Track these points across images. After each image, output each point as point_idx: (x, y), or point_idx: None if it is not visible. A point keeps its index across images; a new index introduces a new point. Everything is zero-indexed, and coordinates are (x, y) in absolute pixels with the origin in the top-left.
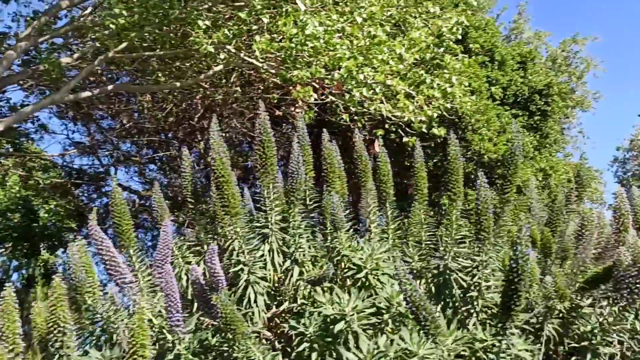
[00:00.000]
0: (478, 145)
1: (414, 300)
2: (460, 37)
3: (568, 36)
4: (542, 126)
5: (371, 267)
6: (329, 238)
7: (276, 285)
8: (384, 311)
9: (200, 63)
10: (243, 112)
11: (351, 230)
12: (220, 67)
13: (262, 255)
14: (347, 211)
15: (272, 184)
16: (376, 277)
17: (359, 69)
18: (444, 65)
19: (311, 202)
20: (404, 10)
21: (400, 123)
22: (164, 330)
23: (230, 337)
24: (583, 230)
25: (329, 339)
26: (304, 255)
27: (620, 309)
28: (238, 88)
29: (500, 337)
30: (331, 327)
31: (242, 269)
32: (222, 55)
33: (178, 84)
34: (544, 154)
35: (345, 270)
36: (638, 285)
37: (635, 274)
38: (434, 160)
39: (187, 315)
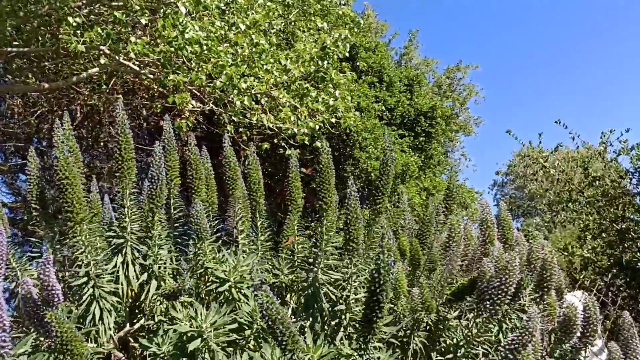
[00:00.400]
0: (365, 163)
1: (270, 314)
2: (347, 54)
3: (453, 64)
4: (427, 147)
5: (235, 280)
6: (193, 249)
7: (130, 301)
8: (245, 327)
9: (73, 64)
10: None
11: (219, 241)
12: (96, 69)
13: (115, 268)
14: (216, 221)
15: (130, 189)
16: (240, 291)
17: (242, 78)
18: (329, 79)
19: (176, 212)
20: (293, 24)
21: (284, 136)
22: None
23: (70, 358)
24: (450, 242)
25: (184, 359)
26: (164, 268)
27: (484, 320)
28: (120, 96)
29: (362, 352)
30: (187, 345)
31: (85, 283)
32: (102, 60)
33: (47, 85)
34: (428, 174)
35: (208, 284)
36: (500, 297)
37: (497, 284)
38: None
39: (23, 335)
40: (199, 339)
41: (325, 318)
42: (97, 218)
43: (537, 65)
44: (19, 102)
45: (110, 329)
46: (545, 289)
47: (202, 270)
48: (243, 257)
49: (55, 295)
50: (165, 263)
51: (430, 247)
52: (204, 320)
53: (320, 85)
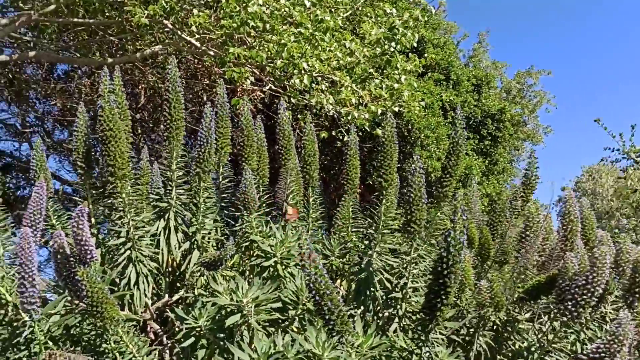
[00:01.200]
0: (426, 163)
1: (318, 288)
2: (415, 44)
3: (523, 68)
4: (492, 152)
5: (281, 256)
6: (239, 221)
7: (170, 270)
8: (290, 307)
9: (137, 40)
10: (186, 106)
11: (267, 215)
12: (159, 47)
13: (156, 232)
14: (266, 195)
15: (178, 151)
16: (286, 267)
17: (303, 56)
18: (394, 64)
19: (225, 182)
20: (360, 10)
21: (343, 122)
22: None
23: (99, 322)
24: (527, 233)
25: (222, 335)
26: (207, 238)
27: (563, 324)
28: (182, 80)
29: (421, 344)
30: (225, 320)
31: (123, 243)
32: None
33: (110, 59)
34: (491, 180)
35: (252, 259)
36: (585, 297)
37: (582, 283)
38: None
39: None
40: (239, 315)
41: (378, 307)
42: (144, 181)
43: (618, 72)
44: (86, 82)
45: (146, 295)
46: (637, 296)
47: (247, 243)
48: (292, 233)
49: (89, 252)
50: (209, 233)
51: (503, 237)
52: (245, 295)
53: (385, 71)
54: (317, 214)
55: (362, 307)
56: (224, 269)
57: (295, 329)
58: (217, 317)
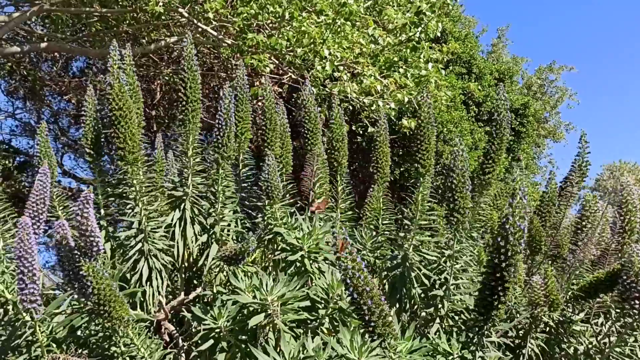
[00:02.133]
0: (448, 159)
1: (356, 284)
2: (439, 34)
3: (545, 64)
4: (515, 147)
5: (309, 249)
6: (262, 212)
7: (186, 265)
8: (319, 306)
9: (152, 31)
10: (202, 102)
11: (292, 206)
12: (174, 38)
13: (171, 224)
14: (290, 185)
15: (194, 135)
16: (315, 261)
17: (324, 43)
18: (420, 51)
19: (246, 170)
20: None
21: (367, 113)
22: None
23: (106, 323)
24: (583, 223)
25: (244, 337)
26: (227, 230)
27: (628, 326)
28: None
29: (474, 348)
30: (248, 320)
31: (134, 235)
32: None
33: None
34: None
35: (277, 253)
36: None
37: None
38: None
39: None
40: (263, 314)
41: (415, 307)
42: (159, 168)
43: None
44: (102, 79)
45: (159, 293)
46: None
47: (270, 236)
48: (319, 225)
49: (95, 244)
50: (228, 225)
51: (557, 228)
52: (269, 292)
53: (409, 60)
54: (346, 204)
55: (397, 306)
56: (245, 264)
57: (326, 331)
58: (238, 317)
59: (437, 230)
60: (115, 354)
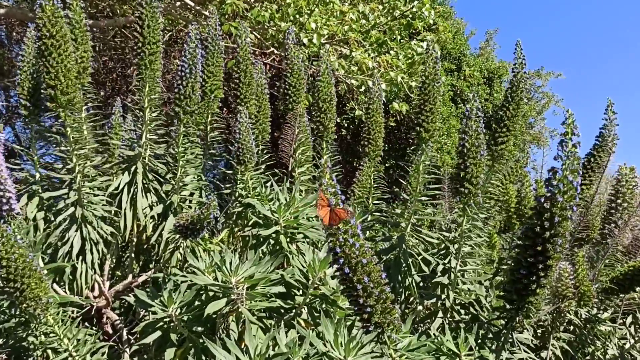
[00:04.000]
0: (435, 157)
1: (348, 254)
2: (432, 20)
3: (533, 69)
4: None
5: (286, 223)
6: (231, 181)
7: (135, 241)
8: (296, 291)
9: (124, 3)
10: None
11: (268, 173)
12: None
13: (118, 190)
14: (267, 154)
15: (151, 84)
16: (293, 239)
17: (311, 15)
18: (415, 27)
19: (215, 134)
20: None
21: (354, 91)
22: None
23: (19, 305)
24: (618, 201)
25: (200, 328)
26: (189, 201)
27: None
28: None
29: (500, 346)
30: (205, 307)
31: (66, 195)
32: None
33: (90, 21)
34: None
35: (248, 228)
36: None
37: None
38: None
39: None
40: (224, 300)
41: (412, 298)
42: (115, 132)
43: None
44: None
45: (95, 271)
46: None
47: (241, 208)
48: (300, 196)
49: (4, 200)
50: (191, 195)
51: (587, 207)
52: (234, 273)
53: (403, 39)
54: (333, 182)
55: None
56: (208, 241)
57: (304, 323)
58: (195, 304)
59: (439, 207)
60: (33, 345)
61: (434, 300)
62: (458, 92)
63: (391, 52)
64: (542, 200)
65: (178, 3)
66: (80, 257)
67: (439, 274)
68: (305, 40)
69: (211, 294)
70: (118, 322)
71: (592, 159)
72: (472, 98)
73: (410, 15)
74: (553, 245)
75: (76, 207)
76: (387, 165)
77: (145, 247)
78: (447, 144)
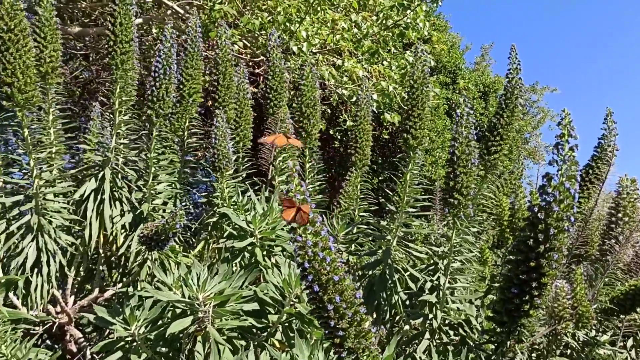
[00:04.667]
0: (429, 170)
1: (318, 270)
2: (426, 32)
3: (528, 84)
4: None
5: (262, 234)
6: (207, 189)
7: (105, 254)
8: (271, 309)
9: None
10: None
11: (245, 182)
12: (139, 20)
13: (83, 197)
14: (247, 162)
15: (123, 83)
16: (270, 252)
17: (301, 22)
18: (408, 37)
19: (193, 140)
20: None
21: (345, 101)
22: None
23: None
24: (618, 215)
25: (165, 349)
26: (162, 210)
27: None
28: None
29: None
30: (169, 327)
31: (21, 202)
32: None
33: (77, 29)
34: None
35: (223, 240)
36: None
37: None
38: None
39: None
40: (190, 317)
41: (398, 317)
42: (92, 138)
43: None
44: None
45: (50, 283)
46: None
47: (215, 218)
48: (279, 206)
49: None
50: (164, 204)
51: (586, 220)
52: (201, 288)
53: (396, 49)
54: (314, 185)
55: (374, 316)
56: (180, 253)
57: (278, 344)
58: (160, 322)
59: (428, 220)
60: None
61: (421, 319)
62: (453, 105)
63: (384, 62)
64: (536, 210)
65: (169, 11)
66: (36, 270)
67: (426, 291)
68: (295, 49)
69: (178, 311)
70: (82, 340)
71: (590, 171)
72: (463, 103)
73: (404, 25)
74: (548, 260)
75: (32, 214)
76: (380, 178)
77: (112, 258)
78: (441, 157)
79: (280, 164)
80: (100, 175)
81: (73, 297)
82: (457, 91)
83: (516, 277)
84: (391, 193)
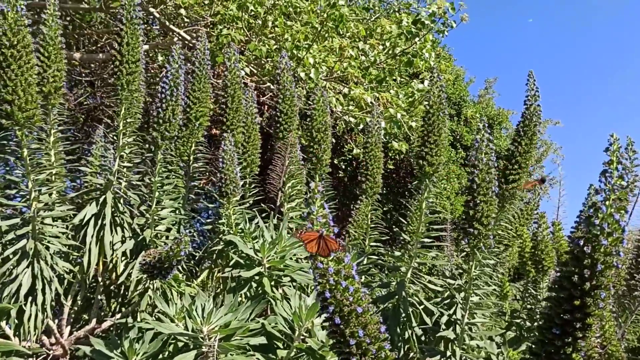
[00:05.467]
0: (435, 203)
1: (340, 301)
2: (432, 62)
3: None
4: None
5: (270, 264)
6: (213, 215)
7: (104, 282)
8: (279, 344)
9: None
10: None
11: (253, 208)
12: (145, 47)
13: (82, 222)
14: (254, 188)
15: (128, 104)
16: (278, 282)
17: (309, 49)
18: (416, 66)
19: (199, 165)
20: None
21: (354, 129)
22: None
23: None
24: None
25: None
26: (166, 237)
27: None
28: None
29: None
30: None
31: (18, 225)
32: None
33: (78, 55)
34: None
35: (229, 269)
36: None
37: None
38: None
39: None
40: (193, 352)
41: (412, 354)
42: (94, 163)
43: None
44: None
45: (44, 312)
46: None
47: (221, 246)
48: (288, 234)
49: None
50: (167, 230)
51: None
52: (206, 320)
53: (403, 77)
54: (324, 211)
55: None
56: (183, 282)
57: None
58: (160, 356)
59: (441, 251)
60: None
61: (437, 357)
62: (458, 137)
63: (391, 90)
64: (581, 243)
65: (175, 39)
66: (30, 298)
67: (443, 326)
68: (302, 75)
69: (180, 344)
70: None
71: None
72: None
73: (411, 54)
74: (594, 299)
75: (28, 239)
76: (385, 209)
77: (111, 287)
78: (446, 189)
79: (290, 190)
80: (101, 200)
81: (69, 327)
82: (463, 122)
83: (558, 316)
84: (405, 222)
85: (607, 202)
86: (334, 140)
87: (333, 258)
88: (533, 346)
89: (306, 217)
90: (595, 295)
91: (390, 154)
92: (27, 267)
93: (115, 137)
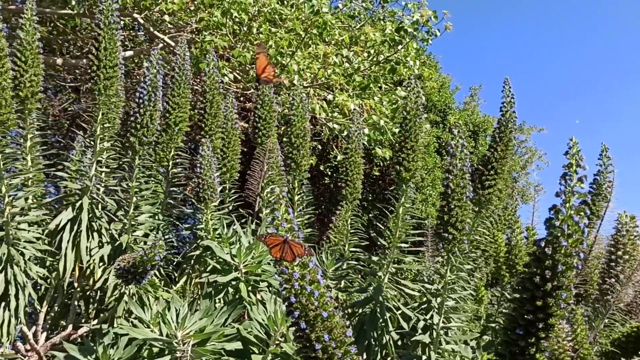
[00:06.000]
0: (420, 209)
1: (305, 305)
2: (417, 70)
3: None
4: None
5: (247, 269)
6: (190, 218)
7: (81, 288)
8: (254, 349)
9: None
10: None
11: (231, 214)
12: (130, 52)
13: (58, 227)
14: (234, 193)
15: (105, 109)
16: (255, 287)
17: (293, 56)
18: (399, 73)
19: (178, 170)
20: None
21: (338, 135)
22: None
23: None
24: (618, 253)
25: None
26: (144, 242)
27: None
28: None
29: None
30: None
31: None
32: None
33: (60, 60)
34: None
35: (206, 274)
36: None
37: None
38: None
39: None
40: (167, 357)
41: (389, 358)
42: (73, 168)
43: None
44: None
45: (17, 318)
46: None
47: (199, 251)
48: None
49: None
50: (145, 235)
51: (584, 259)
52: (180, 325)
53: (387, 84)
54: (303, 219)
55: (364, 357)
56: (160, 288)
57: None
58: None
59: (419, 257)
60: None
61: None
62: (443, 144)
63: (375, 97)
64: (543, 244)
65: (160, 45)
66: (3, 304)
67: (419, 331)
68: (286, 82)
69: (155, 350)
70: None
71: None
72: (457, 134)
73: (395, 61)
74: (556, 299)
75: (1, 244)
76: (370, 215)
77: (95, 293)
78: (432, 195)
79: (268, 195)
80: (78, 204)
81: (45, 333)
82: (448, 129)
83: (521, 317)
84: (383, 227)
85: (566, 205)
86: (320, 147)
87: (298, 263)
88: (499, 348)
89: (271, 222)
90: (556, 295)
91: (375, 161)
92: (0, 272)
93: (92, 142)
